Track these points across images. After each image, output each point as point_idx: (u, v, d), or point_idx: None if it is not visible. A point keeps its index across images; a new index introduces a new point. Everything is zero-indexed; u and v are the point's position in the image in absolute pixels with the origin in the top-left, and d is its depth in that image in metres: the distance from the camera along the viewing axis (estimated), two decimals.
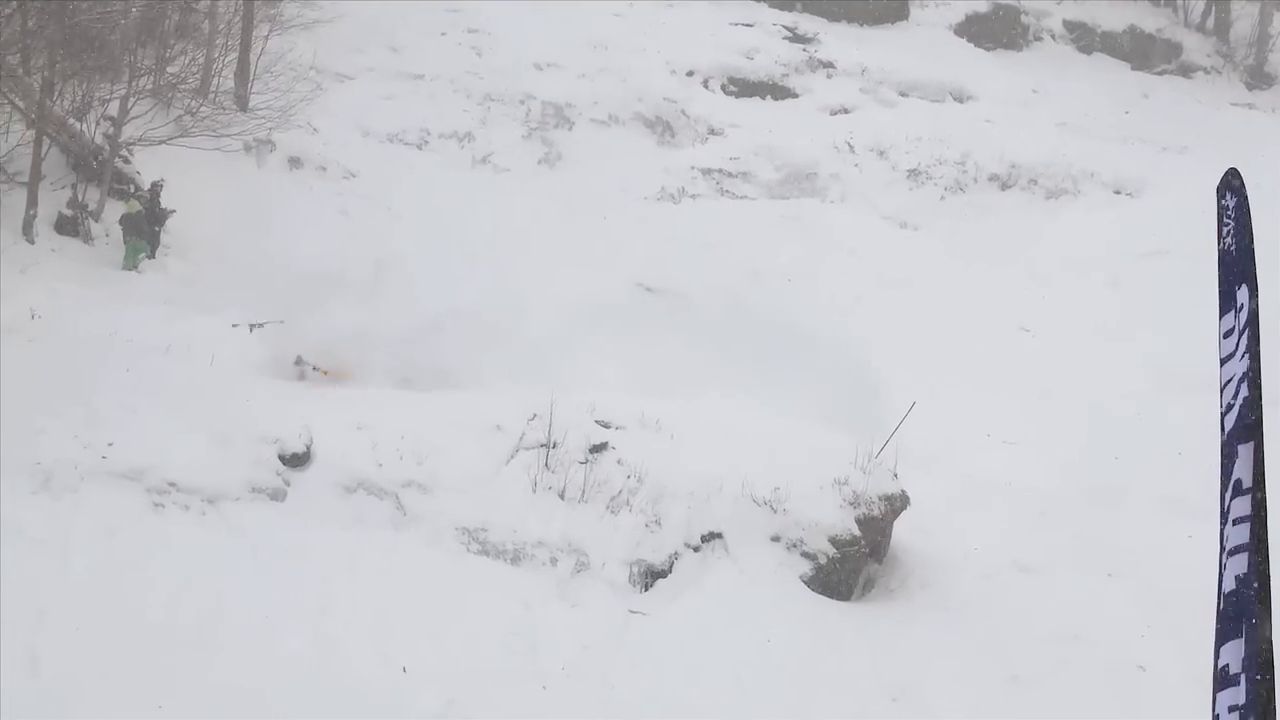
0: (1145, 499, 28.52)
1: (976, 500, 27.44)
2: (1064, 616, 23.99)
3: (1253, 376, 7.14)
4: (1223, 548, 7.24)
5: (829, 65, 53.97)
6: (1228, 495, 7.26)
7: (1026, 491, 28.10)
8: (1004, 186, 46.71)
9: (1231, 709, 7.11)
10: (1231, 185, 7.47)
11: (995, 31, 59.73)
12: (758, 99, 51.67)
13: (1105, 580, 25.53)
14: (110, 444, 22.91)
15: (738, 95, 51.66)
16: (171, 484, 22.75)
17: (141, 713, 17.24)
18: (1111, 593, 25.08)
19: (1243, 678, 7.02)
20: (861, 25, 58.64)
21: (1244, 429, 7.19)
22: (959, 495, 27.39)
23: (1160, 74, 58.93)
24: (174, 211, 33.45)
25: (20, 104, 32.79)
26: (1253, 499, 7.13)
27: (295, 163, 40.64)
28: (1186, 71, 59.50)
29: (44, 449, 22.44)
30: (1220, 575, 7.24)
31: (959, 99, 53.08)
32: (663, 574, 23.92)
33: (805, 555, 24.18)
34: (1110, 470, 29.43)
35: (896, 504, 25.24)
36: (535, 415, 25.65)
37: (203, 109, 39.08)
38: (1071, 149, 48.09)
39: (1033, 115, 51.58)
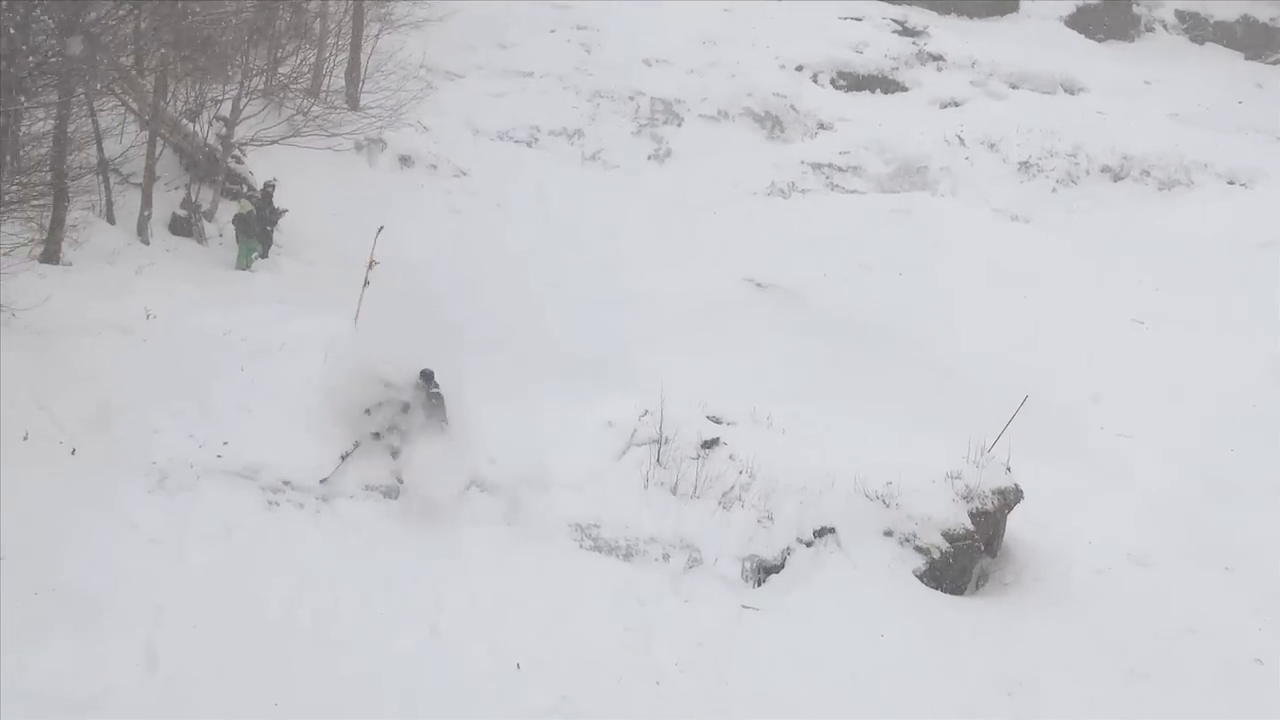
0: (1262, 492, 28.23)
1: (1091, 493, 27.21)
2: (1180, 610, 23.78)
3: None
4: None
5: (939, 58, 53.84)
6: None
7: (1142, 484, 27.87)
8: (1116, 178, 46.39)
9: None
10: None
11: (1106, 22, 59.38)
12: (867, 93, 51.63)
13: (1221, 573, 25.30)
14: (225, 443, 23.12)
15: (847, 89, 51.64)
16: (286, 482, 22.93)
17: (258, 710, 17.38)
18: (1228, 586, 24.84)
19: None
20: (971, 18, 58.46)
21: None
22: (1073, 489, 27.17)
23: (1274, 64, 58.35)
24: (286, 211, 33.64)
25: (134, 105, 33.07)
26: None
27: (406, 161, 40.92)
28: None
29: (160, 448, 22.66)
30: None
31: (1070, 91, 52.78)
32: (775, 569, 23.89)
33: (918, 550, 24.09)
34: (1226, 463, 29.15)
35: (1010, 497, 25.08)
36: (647, 412, 25.65)
37: (314, 108, 39.36)
38: (1184, 140, 47.69)
39: (1145, 106, 51.19)
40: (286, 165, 35.77)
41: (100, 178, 31.23)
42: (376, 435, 24.07)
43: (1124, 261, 39.33)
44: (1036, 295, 36.84)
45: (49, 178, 27.21)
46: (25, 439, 21.59)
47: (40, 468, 21.08)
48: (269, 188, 34.01)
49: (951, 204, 43.32)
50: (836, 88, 51.30)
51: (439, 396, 22.05)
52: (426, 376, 22.68)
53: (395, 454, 24.01)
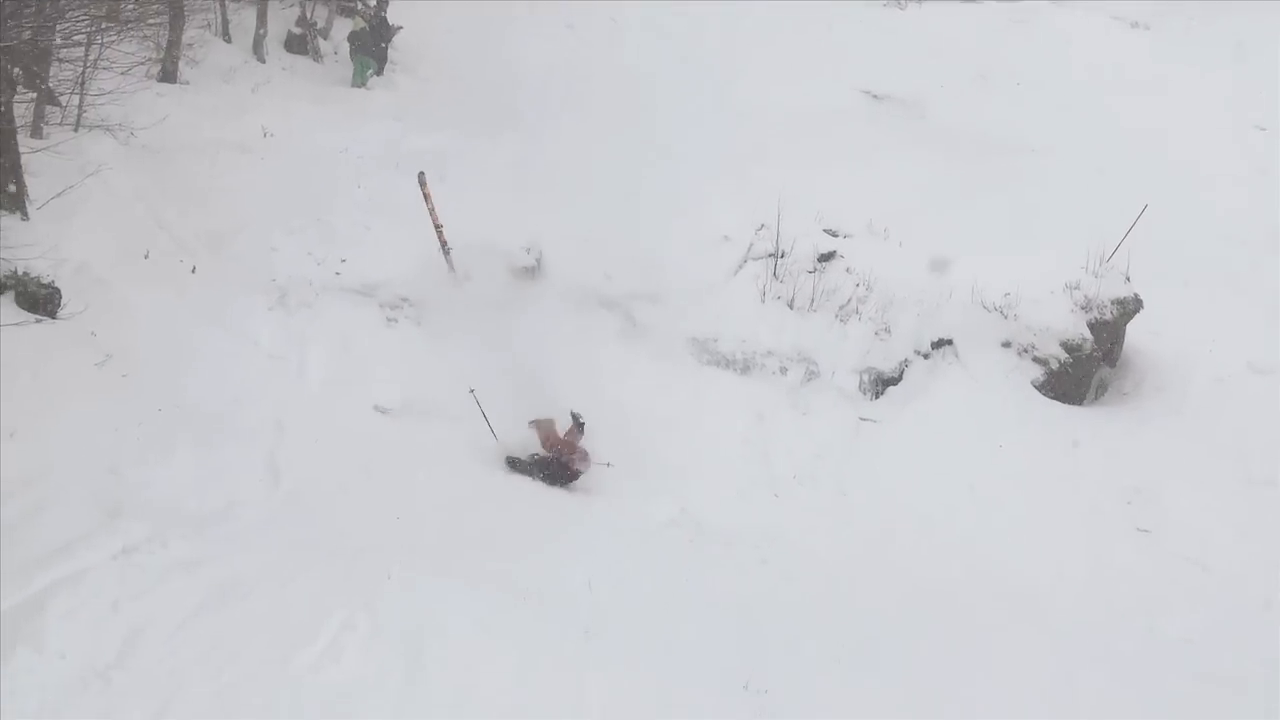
0: None
1: (1211, 301, 26.88)
2: None
3: None
4: None
5: None
6: None
7: (1261, 291, 27.48)
8: None
9: None
10: None
11: None
12: None
13: None
14: (343, 260, 23.28)
15: None
16: (404, 299, 23.08)
17: (381, 523, 17.56)
18: None
19: None
20: None
21: None
22: (1193, 297, 26.84)
23: None
24: (400, 28, 33.49)
25: None
26: None
27: None
28: None
29: (279, 265, 22.85)
30: None
31: None
32: (893, 381, 23.90)
33: (1036, 360, 23.99)
34: None
35: (1129, 307, 24.88)
36: (763, 225, 25.58)
37: None
38: None
39: None
40: None
41: None
42: None
43: (1246, 68, 38.52)
44: (1154, 103, 36.21)
45: None
46: (146, 257, 21.78)
47: (161, 286, 21.26)
48: (382, 4, 33.90)
49: (1070, 12, 42.46)
50: None
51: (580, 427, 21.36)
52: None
53: None
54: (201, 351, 20.42)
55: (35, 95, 23.16)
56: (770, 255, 25.18)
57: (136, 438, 17.84)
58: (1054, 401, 23.75)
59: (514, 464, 20.39)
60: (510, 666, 14.12)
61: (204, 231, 23.01)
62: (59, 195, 21.00)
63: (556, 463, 20.24)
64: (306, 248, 23.35)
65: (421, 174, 23.67)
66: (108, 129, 23.43)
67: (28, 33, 20.11)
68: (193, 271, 22.07)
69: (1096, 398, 24.69)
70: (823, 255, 25.46)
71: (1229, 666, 17.74)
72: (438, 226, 23.64)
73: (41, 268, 19.47)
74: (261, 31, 31.92)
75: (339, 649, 13.66)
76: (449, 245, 23.32)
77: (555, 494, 20.00)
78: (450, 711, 13.11)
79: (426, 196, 23.57)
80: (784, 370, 23.66)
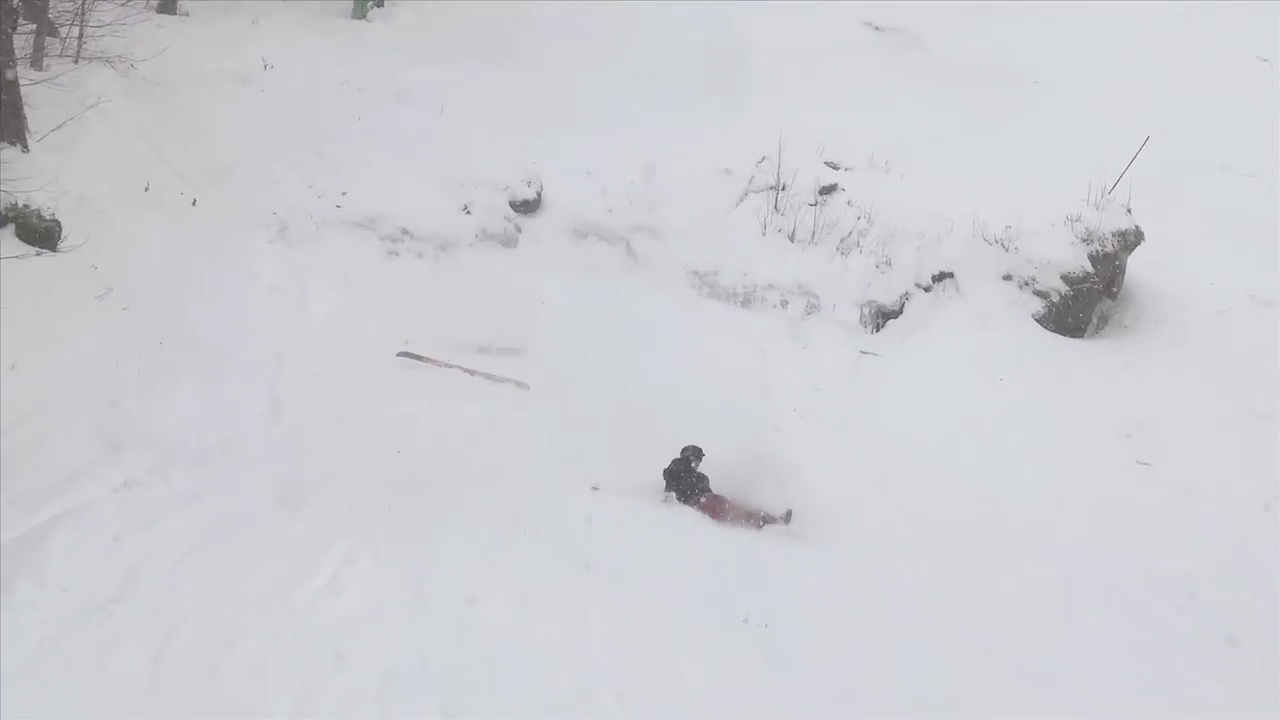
0: None
1: (1212, 233, 26.82)
2: None
3: None
4: None
5: None
6: None
7: (1263, 223, 27.43)
8: None
9: None
10: None
11: None
12: None
13: None
14: (344, 193, 23.23)
15: None
16: (405, 231, 23.06)
17: (382, 455, 17.59)
18: None
19: None
20: None
21: None
22: (1194, 228, 26.80)
23: None
24: None
25: None
26: None
27: None
28: None
29: (279, 198, 22.81)
30: None
31: None
32: (893, 314, 23.91)
33: (1037, 293, 23.97)
34: None
35: (1130, 239, 24.84)
36: (764, 158, 25.56)
37: None
38: None
39: None
40: None
41: None
42: None
43: (1245, 1, 38.35)
44: (1154, 35, 36.09)
45: None
46: (147, 190, 21.78)
47: (162, 219, 21.27)
48: None
49: None
50: None
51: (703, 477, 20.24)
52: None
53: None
54: (203, 285, 20.42)
55: (35, 27, 23.12)
56: (771, 188, 25.18)
57: (138, 371, 17.88)
58: (1055, 335, 23.74)
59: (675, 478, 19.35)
60: (510, 599, 14.15)
61: (205, 164, 22.99)
62: (59, 127, 21.02)
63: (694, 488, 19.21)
64: (307, 180, 23.31)
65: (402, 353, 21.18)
66: (108, 61, 23.44)
67: None
68: (193, 204, 22.07)
69: (1097, 330, 24.67)
70: (824, 188, 25.46)
71: (1228, 600, 17.79)
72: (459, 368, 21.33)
73: (42, 200, 19.47)
74: None
75: (340, 582, 13.71)
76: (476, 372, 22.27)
77: (554, 431, 19.90)
78: (451, 643, 13.14)
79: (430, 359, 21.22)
80: (784, 303, 23.67)
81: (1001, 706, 14.24)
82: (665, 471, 18.73)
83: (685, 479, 18.68)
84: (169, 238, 20.90)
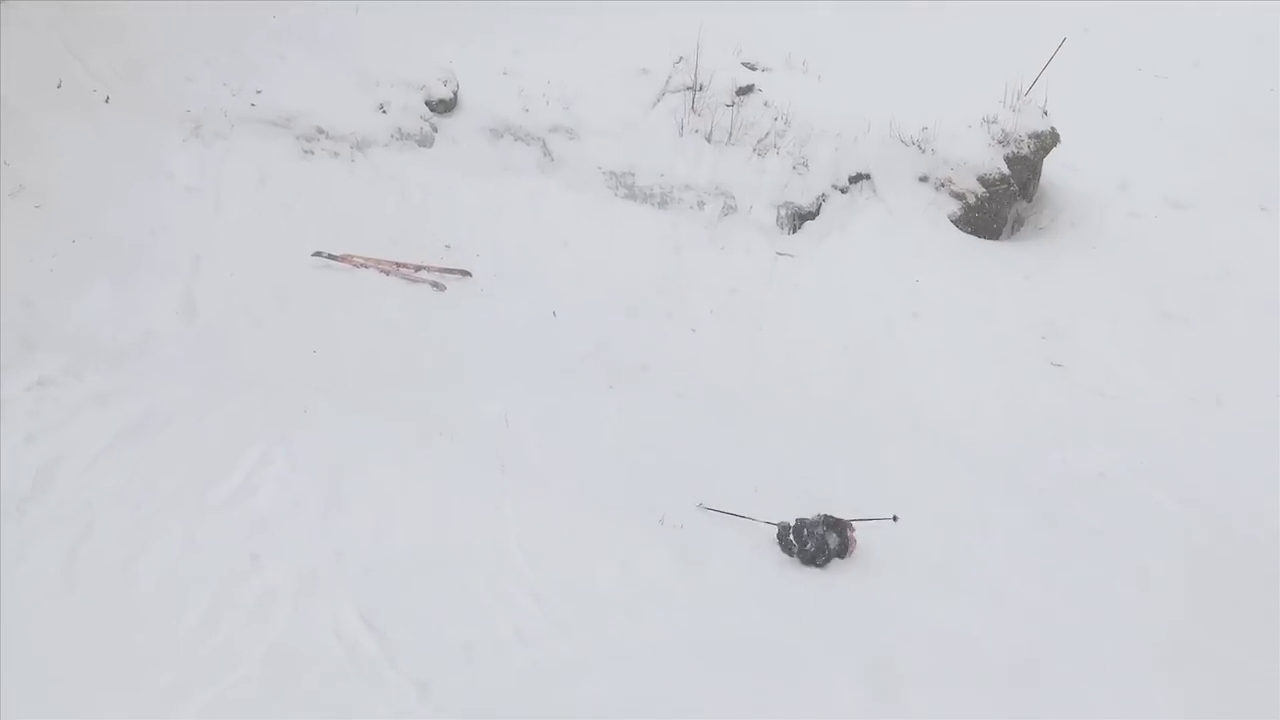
0: None
1: (1127, 136, 26.97)
2: (1215, 252, 23.72)
3: None
4: None
5: None
6: None
7: (1178, 126, 27.60)
8: None
9: None
10: None
11: None
12: None
13: (1258, 214, 25.16)
14: (259, 91, 23.03)
15: None
16: (320, 130, 22.88)
17: (298, 356, 17.55)
18: (1264, 227, 24.73)
19: None
20: None
21: None
22: (1109, 131, 26.92)
23: None
24: None
25: None
26: None
27: None
28: None
29: (194, 97, 22.59)
30: None
31: None
32: (810, 216, 23.93)
33: (953, 195, 24.05)
34: (1265, 103, 28.79)
35: (1046, 141, 24.92)
36: (681, 58, 25.47)
37: None
38: None
39: None
40: None
41: None
42: None
43: None
44: None
45: None
46: (59, 87, 21.55)
47: (75, 117, 21.04)
48: None
49: None
50: None
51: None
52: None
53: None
54: (117, 183, 20.25)
55: None
56: (688, 88, 25.09)
57: (51, 269, 17.75)
58: (971, 236, 23.85)
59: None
60: (428, 498, 14.20)
61: (118, 62, 22.70)
62: None
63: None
64: (221, 78, 23.07)
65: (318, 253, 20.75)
66: None
67: None
68: (106, 102, 21.82)
69: (1013, 233, 24.79)
70: (741, 89, 25.37)
71: (1143, 500, 17.97)
72: (396, 265, 21.03)
73: None
74: None
75: (256, 481, 13.71)
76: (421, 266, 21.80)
77: (471, 331, 19.89)
78: (368, 544, 13.17)
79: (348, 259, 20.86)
80: (701, 204, 23.64)
81: (912, 607, 14.39)
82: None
83: None
84: (82, 136, 20.70)
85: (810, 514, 15.29)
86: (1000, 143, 24.45)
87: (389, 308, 19.69)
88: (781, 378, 20.19)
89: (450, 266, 20.81)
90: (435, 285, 20.45)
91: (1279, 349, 21.72)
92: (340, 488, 13.97)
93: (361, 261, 20.38)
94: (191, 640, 11.20)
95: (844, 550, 15.14)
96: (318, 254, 20.28)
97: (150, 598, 11.60)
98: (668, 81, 25.41)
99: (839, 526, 15.17)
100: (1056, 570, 15.79)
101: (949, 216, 23.88)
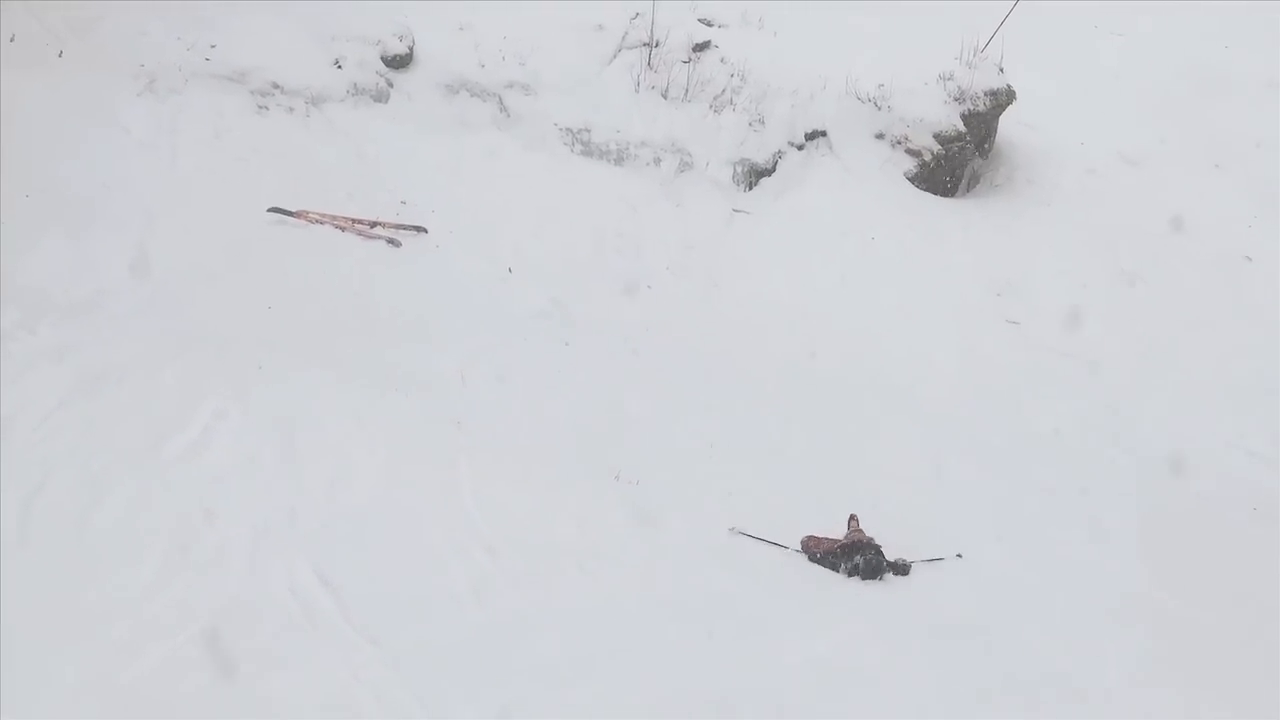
0: (1255, 87, 28.02)
1: (1083, 93, 27.06)
2: (1171, 208, 23.85)
3: None
4: None
5: None
6: None
7: (1134, 83, 27.68)
8: None
9: None
10: None
11: None
12: None
13: (1212, 171, 25.34)
14: (213, 46, 22.88)
15: None
16: (275, 85, 22.76)
17: (253, 313, 17.48)
18: (1218, 184, 24.92)
19: None
20: None
21: None
22: (1065, 89, 27.00)
23: None
24: None
25: None
26: None
27: None
28: None
29: (147, 51, 22.42)
30: None
31: None
32: (766, 173, 23.95)
33: (910, 152, 24.09)
34: (1220, 60, 28.86)
35: (1002, 99, 24.96)
36: (637, 14, 25.41)
37: None
38: None
39: None
40: None
41: None
42: None
43: None
44: None
45: None
46: (12, 41, 21.39)
47: (28, 71, 20.88)
48: None
49: None
50: None
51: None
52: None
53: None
54: (70, 137, 20.11)
55: None
56: (644, 44, 25.05)
57: (4, 223, 17.61)
58: (926, 194, 23.91)
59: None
60: (383, 454, 14.16)
61: (71, 16, 22.53)
62: None
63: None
64: (175, 33, 22.89)
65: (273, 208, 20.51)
66: None
67: None
68: (60, 55, 21.68)
69: (969, 190, 24.86)
70: (697, 45, 25.34)
71: (1098, 456, 18.08)
72: (351, 221, 20.78)
73: None
74: None
75: (210, 437, 13.64)
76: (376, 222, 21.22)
77: (427, 287, 19.87)
78: (323, 499, 13.14)
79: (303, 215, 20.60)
80: (657, 161, 23.63)
81: None
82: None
83: None
84: (35, 90, 20.53)
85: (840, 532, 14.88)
86: (956, 100, 24.48)
87: (344, 264, 19.61)
88: (738, 335, 20.23)
89: (406, 223, 20.80)
90: (391, 242, 20.39)
91: (1231, 304, 21.88)
92: (295, 443, 13.91)
93: (317, 217, 20.31)
94: (145, 594, 11.14)
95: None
96: (273, 210, 20.20)
97: (104, 552, 11.52)
98: (624, 37, 25.35)
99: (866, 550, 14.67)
100: (1011, 527, 15.88)
101: (905, 174, 23.93)
